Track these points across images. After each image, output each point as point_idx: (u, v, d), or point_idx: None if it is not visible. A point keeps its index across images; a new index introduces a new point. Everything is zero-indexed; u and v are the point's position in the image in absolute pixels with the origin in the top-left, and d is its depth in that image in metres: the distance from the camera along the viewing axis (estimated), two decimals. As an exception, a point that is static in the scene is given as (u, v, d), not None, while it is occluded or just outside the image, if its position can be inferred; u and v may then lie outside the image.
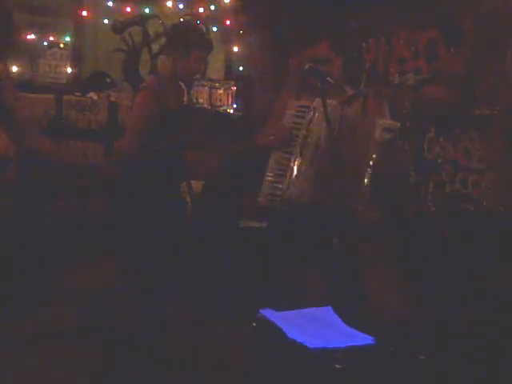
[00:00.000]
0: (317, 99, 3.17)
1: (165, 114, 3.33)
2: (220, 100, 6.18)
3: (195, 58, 3.53)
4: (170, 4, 6.22)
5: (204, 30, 4.44)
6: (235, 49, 6.48)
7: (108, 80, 6.04)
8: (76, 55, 6.16)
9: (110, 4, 6.17)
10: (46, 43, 5.95)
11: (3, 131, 3.13)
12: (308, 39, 3.57)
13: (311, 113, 3.25)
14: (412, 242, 3.98)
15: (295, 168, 3.27)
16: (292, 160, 3.29)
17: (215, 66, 6.51)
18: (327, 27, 4.91)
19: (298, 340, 2.09)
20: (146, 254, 3.21)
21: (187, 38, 3.55)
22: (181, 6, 6.31)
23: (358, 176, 3.17)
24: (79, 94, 5.60)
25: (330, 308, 2.38)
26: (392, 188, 3.52)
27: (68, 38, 6.07)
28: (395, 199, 3.75)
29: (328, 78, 3.02)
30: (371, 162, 3.17)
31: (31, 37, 5.68)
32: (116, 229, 3.27)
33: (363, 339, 2.18)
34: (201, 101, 6.09)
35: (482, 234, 3.67)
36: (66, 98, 5.35)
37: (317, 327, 2.24)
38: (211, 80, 6.25)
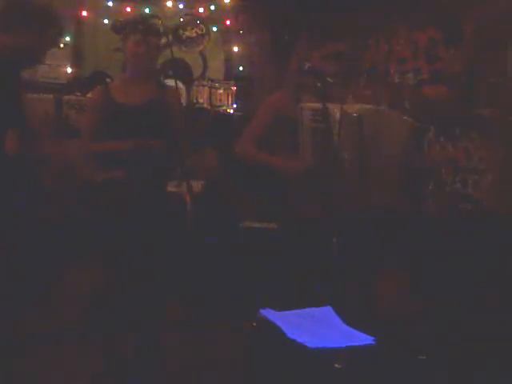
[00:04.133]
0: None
1: (122, 111, 3.28)
2: (220, 100, 6.18)
3: (132, 41, 3.30)
4: (170, 4, 6.22)
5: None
6: (235, 49, 6.47)
7: (108, 80, 6.04)
8: (76, 55, 6.16)
9: (110, 4, 6.17)
10: (46, 43, 5.96)
11: (15, 135, 3.10)
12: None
13: (337, 115, 3.02)
14: (412, 242, 3.98)
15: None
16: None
17: (215, 65, 6.52)
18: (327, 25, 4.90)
19: (298, 340, 2.09)
20: (145, 253, 3.21)
21: (121, 24, 3.49)
22: (181, 6, 6.31)
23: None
24: (79, 94, 5.60)
25: (329, 308, 2.38)
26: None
27: (68, 38, 6.07)
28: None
29: (328, 78, 3.01)
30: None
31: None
32: (116, 229, 3.26)
33: (363, 339, 2.18)
34: (201, 101, 6.10)
35: (481, 233, 3.67)
36: (66, 97, 5.36)
37: (317, 327, 2.24)
38: (211, 80, 6.25)
